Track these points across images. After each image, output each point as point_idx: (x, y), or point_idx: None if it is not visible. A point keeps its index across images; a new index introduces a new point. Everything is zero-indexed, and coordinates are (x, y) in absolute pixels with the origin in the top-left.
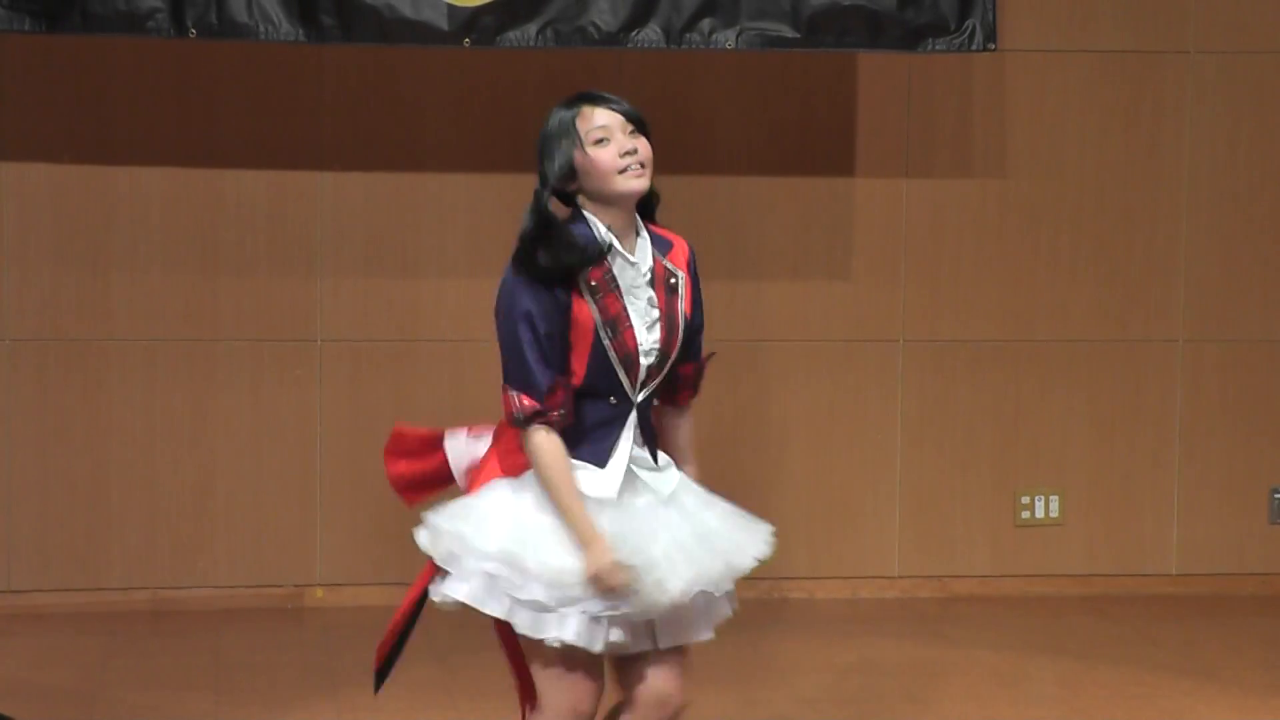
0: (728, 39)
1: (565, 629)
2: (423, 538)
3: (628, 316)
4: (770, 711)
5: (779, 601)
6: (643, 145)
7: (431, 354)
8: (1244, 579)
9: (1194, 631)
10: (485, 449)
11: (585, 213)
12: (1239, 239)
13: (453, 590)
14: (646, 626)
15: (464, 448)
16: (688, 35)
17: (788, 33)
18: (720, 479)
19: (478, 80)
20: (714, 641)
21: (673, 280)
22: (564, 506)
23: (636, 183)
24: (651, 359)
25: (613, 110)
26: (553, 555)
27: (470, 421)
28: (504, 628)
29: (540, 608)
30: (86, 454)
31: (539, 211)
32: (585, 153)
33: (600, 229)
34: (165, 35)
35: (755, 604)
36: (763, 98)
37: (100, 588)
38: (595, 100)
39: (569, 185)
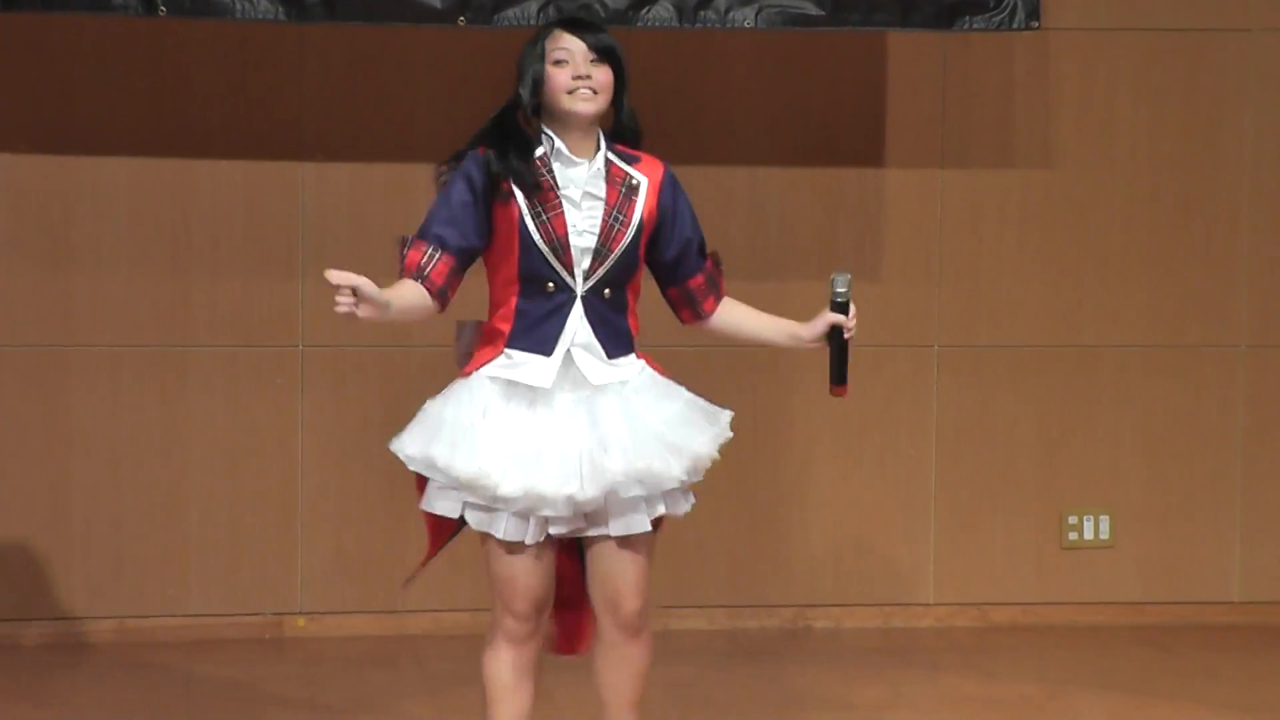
0: (746, 17)
1: (497, 526)
2: (398, 449)
3: (560, 203)
4: None
5: (803, 631)
6: (600, 73)
7: (424, 361)
8: None
9: (1258, 665)
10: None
11: (545, 129)
12: None
13: (424, 501)
14: (585, 516)
15: (467, 336)
16: (702, 13)
17: (811, 10)
18: (736, 496)
19: (474, 62)
20: (731, 674)
21: (633, 181)
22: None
23: (583, 105)
24: (588, 243)
25: (579, 37)
26: (466, 461)
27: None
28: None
29: (480, 507)
30: (46, 471)
31: (500, 115)
32: (544, 69)
33: (555, 140)
34: (133, 14)
35: (776, 634)
36: (784, 81)
37: (62, 617)
38: (569, 25)
39: (535, 97)
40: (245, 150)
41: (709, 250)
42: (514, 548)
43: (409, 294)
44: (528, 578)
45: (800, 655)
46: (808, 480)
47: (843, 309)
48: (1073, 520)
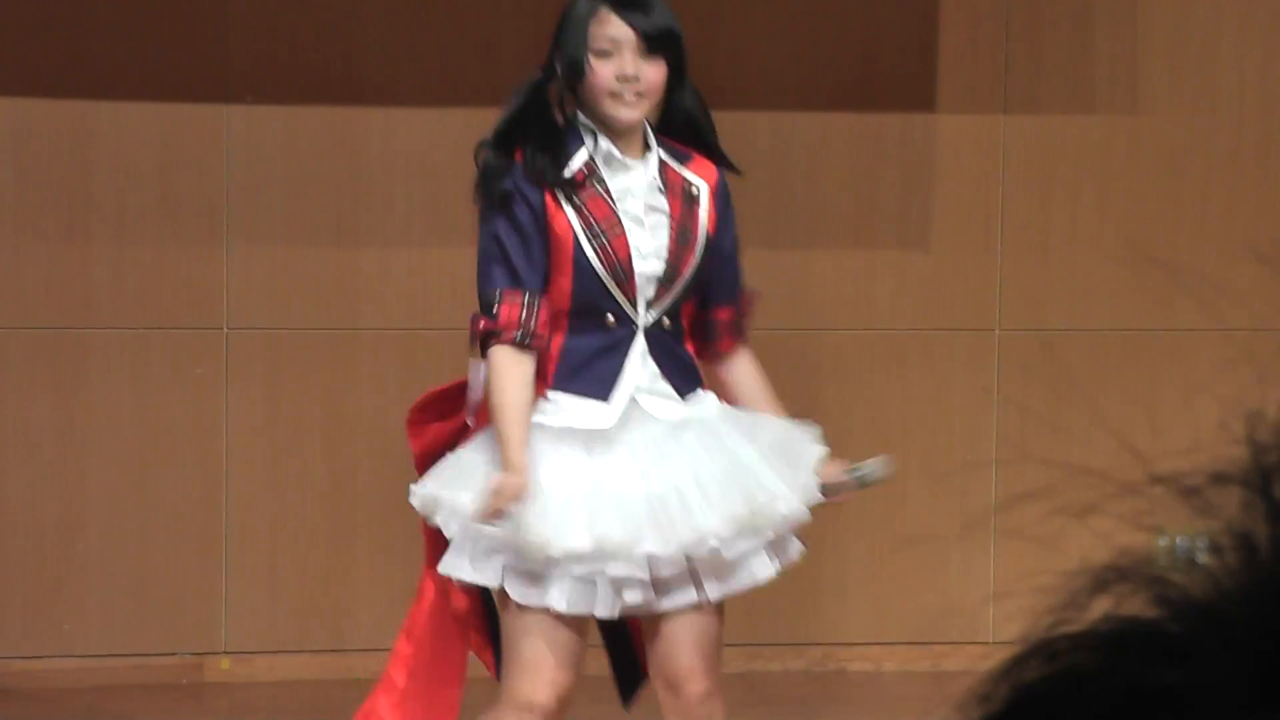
0: None
1: (551, 595)
2: (416, 503)
3: (619, 221)
4: None
5: (835, 675)
6: (651, 71)
7: (374, 346)
8: None
9: None
10: None
11: (583, 119)
12: None
13: (451, 567)
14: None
15: (481, 378)
16: None
17: None
18: None
19: None
20: None
21: (693, 189)
22: (500, 433)
23: (625, 112)
24: (655, 269)
25: (629, 22)
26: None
27: None
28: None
29: (528, 571)
30: None
31: (531, 96)
32: (586, 59)
33: (599, 137)
34: None
35: (803, 677)
36: (814, 6)
37: None
38: (619, 4)
39: (574, 84)
40: (158, 90)
41: (746, 286)
42: (552, 625)
43: (524, 391)
44: (560, 666)
45: (831, 704)
46: None
47: (850, 487)
48: (1167, 544)
